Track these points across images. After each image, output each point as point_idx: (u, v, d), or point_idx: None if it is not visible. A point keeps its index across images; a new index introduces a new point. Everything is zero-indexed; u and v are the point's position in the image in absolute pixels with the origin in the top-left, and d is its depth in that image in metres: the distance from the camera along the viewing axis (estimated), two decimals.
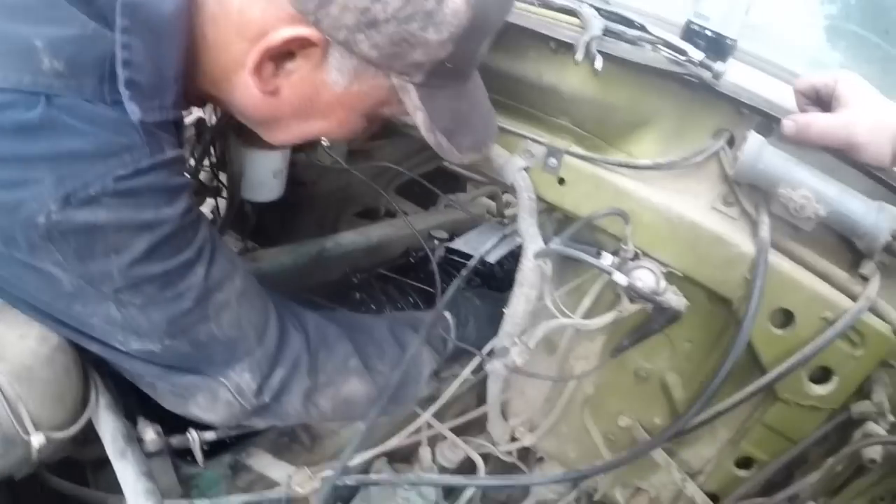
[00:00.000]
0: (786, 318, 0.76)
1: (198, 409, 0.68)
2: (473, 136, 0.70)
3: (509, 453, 1.04)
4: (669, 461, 0.91)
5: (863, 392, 0.79)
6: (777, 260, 0.75)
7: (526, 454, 1.13)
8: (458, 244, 0.98)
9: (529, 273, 0.82)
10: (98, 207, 0.51)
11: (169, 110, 0.56)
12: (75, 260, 0.53)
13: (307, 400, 0.74)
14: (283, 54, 0.57)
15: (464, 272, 0.85)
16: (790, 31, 1.17)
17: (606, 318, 0.81)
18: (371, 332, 0.84)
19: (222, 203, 1.15)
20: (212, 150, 1.07)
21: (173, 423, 0.75)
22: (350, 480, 0.76)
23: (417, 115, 0.62)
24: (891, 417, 0.78)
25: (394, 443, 0.85)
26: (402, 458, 1.03)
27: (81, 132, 0.50)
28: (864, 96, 0.70)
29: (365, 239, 1.16)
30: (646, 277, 0.79)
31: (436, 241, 1.16)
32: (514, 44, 0.81)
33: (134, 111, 0.51)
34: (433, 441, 1.04)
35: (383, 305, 1.05)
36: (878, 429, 0.77)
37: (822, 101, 0.74)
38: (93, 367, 0.72)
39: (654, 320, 0.80)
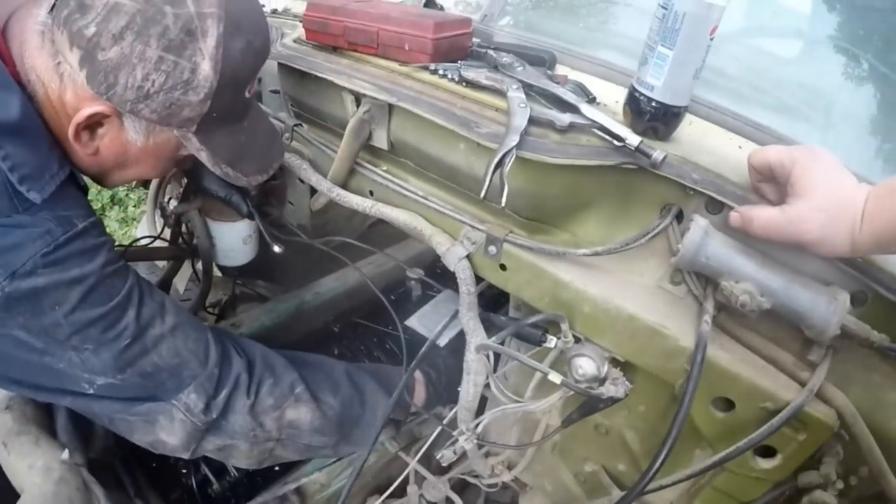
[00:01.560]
0: (727, 404, 0.76)
1: (163, 433, 0.81)
2: (256, 162, 0.85)
3: (493, 486, 1.11)
4: None
5: (815, 458, 0.80)
6: (717, 352, 0.73)
7: None
8: (413, 322, 1.00)
9: (474, 363, 0.84)
10: (36, 276, 0.68)
11: (59, 173, 0.71)
12: (31, 317, 0.69)
13: (252, 419, 0.85)
14: (93, 124, 0.73)
15: (416, 361, 0.88)
16: None
17: (552, 399, 0.84)
18: (330, 371, 0.95)
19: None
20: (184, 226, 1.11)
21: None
22: None
23: (201, 155, 0.79)
24: (839, 485, 0.79)
25: None
26: (395, 494, 1.12)
27: (12, 233, 0.67)
28: (822, 184, 0.62)
29: (342, 284, 1.19)
30: (586, 365, 0.81)
31: (411, 282, 1.18)
32: (447, 135, 0.78)
33: (35, 197, 0.68)
34: (420, 479, 1.12)
35: (361, 357, 1.10)
36: (826, 496, 0.78)
37: (777, 181, 0.67)
38: (92, 478, 0.84)
39: (598, 400, 0.82)
